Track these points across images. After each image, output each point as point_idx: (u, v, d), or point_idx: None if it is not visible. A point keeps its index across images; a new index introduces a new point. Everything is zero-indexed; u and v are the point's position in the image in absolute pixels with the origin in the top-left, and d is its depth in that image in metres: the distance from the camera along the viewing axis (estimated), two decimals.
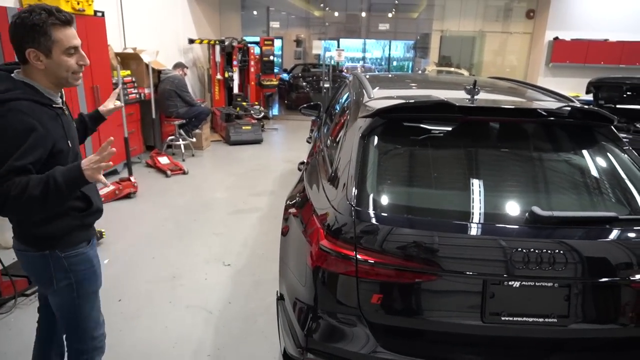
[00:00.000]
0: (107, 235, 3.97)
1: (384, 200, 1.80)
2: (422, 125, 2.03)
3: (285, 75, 13.64)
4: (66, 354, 1.93)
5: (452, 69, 11.54)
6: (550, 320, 1.65)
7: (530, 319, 1.65)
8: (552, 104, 2.14)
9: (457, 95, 2.31)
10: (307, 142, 4.32)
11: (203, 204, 5.01)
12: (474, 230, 1.68)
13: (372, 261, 1.67)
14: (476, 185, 1.85)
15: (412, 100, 2.00)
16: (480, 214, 1.74)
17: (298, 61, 16.78)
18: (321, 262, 1.77)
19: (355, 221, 1.70)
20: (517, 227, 1.69)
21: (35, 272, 1.73)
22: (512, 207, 1.78)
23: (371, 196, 1.79)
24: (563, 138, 2.06)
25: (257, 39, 9.27)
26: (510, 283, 1.64)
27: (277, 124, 10.07)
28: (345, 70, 16.37)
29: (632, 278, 1.65)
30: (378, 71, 18.06)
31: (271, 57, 9.14)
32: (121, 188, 5.03)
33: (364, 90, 2.52)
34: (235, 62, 8.70)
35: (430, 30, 12.99)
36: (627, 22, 8.94)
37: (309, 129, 5.53)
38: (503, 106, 2.04)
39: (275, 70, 10.38)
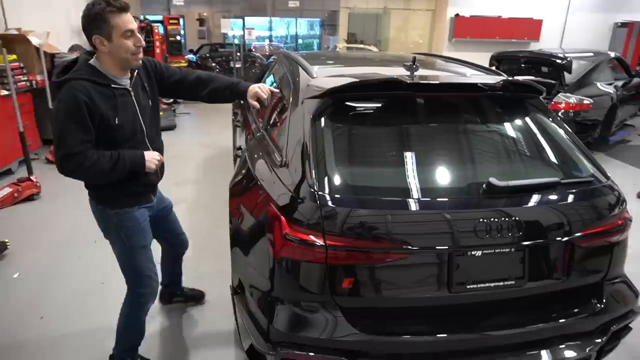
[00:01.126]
0: (12, 245, 3.48)
1: (346, 182, 1.75)
2: (373, 104, 2.00)
3: (191, 57, 12.92)
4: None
5: (362, 46, 11.76)
6: (509, 282, 1.75)
7: (492, 284, 1.73)
8: (488, 78, 2.22)
9: (397, 72, 2.31)
10: (236, 125, 4.11)
11: None
12: (437, 205, 1.70)
13: (342, 246, 1.63)
14: (433, 160, 1.87)
15: (363, 79, 1.95)
16: (441, 188, 1.76)
17: (202, 41, 15.98)
18: (286, 251, 1.69)
19: (320, 206, 1.64)
20: (476, 198, 1.74)
21: (97, 220, 2.08)
22: (468, 180, 1.83)
23: (333, 179, 1.73)
24: (502, 110, 2.15)
25: (159, 17, 8.62)
26: (473, 253, 1.69)
27: (188, 109, 9.55)
28: (253, 50, 15.94)
29: (576, 235, 1.79)
30: (286, 49, 17.86)
31: (177, 37, 8.59)
32: (21, 190, 4.44)
33: (302, 70, 2.42)
34: None
35: (338, 7, 13.09)
36: (516, 0, 9.74)
37: (221, 113, 5.24)
38: (453, 82, 2.07)
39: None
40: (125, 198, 1.99)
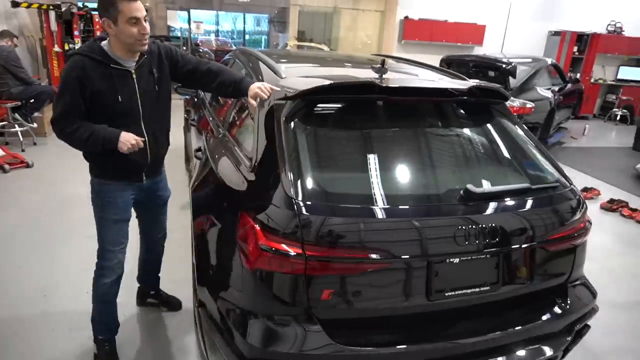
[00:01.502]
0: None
1: (323, 189, 1.68)
2: (347, 107, 1.95)
3: None
4: None
5: (313, 44, 11.71)
6: (484, 288, 1.76)
7: (469, 291, 1.74)
8: (458, 83, 2.24)
9: (366, 75, 2.28)
10: (192, 124, 3.91)
11: (63, 202, 4.26)
12: (418, 213, 1.67)
13: (321, 255, 1.56)
14: (409, 165, 1.84)
15: (337, 81, 1.89)
16: (420, 195, 1.74)
17: None
18: (262, 263, 1.60)
19: (298, 214, 1.56)
20: (454, 204, 1.73)
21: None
22: (445, 186, 1.82)
23: (309, 185, 1.66)
24: (471, 116, 2.18)
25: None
26: (451, 260, 1.69)
27: None
28: (200, 44, 15.43)
29: (546, 239, 1.84)
30: (234, 45, 17.43)
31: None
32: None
33: (270, 70, 2.32)
34: (76, 33, 7.49)
35: (288, 4, 12.92)
36: (461, 5, 10.08)
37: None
38: (428, 86, 2.05)
39: None
40: (109, 171, 2.09)
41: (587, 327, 2.06)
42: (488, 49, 10.16)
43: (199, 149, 2.79)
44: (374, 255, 1.59)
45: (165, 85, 2.14)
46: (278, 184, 1.66)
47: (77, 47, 7.50)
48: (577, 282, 2.06)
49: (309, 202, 1.60)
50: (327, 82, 1.86)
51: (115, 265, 2.18)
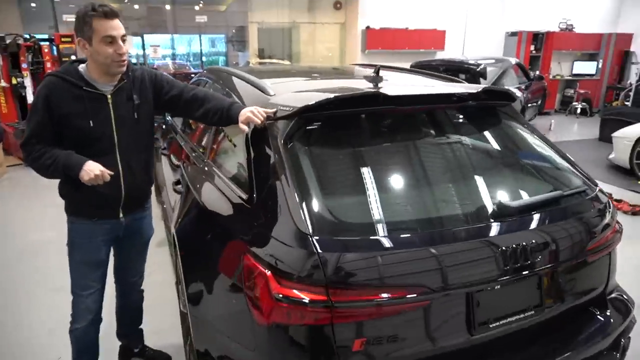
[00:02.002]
0: None
1: (340, 219, 1.44)
2: (352, 122, 1.73)
3: None
4: None
5: (275, 60, 11.55)
6: (528, 313, 1.56)
7: (514, 318, 1.53)
8: (465, 87, 2.06)
9: (360, 85, 2.08)
10: (162, 153, 3.58)
11: (23, 251, 3.82)
12: (452, 237, 1.45)
13: (350, 301, 1.32)
14: (431, 182, 1.62)
15: (342, 93, 1.66)
16: (450, 216, 1.52)
17: None
18: (278, 316, 1.33)
19: (317, 253, 1.31)
20: (488, 222, 1.52)
21: None
22: (474, 202, 1.61)
23: (325, 216, 1.42)
24: (480, 121, 2.00)
25: (46, 35, 7.65)
26: (493, 286, 1.48)
27: None
28: (157, 69, 14.99)
29: (585, 249, 1.66)
30: (192, 67, 17.05)
31: (72, 57, 7.63)
32: None
33: (254, 88, 2.07)
34: (24, 65, 7.00)
35: (245, 22, 12.76)
36: (420, 12, 10.16)
37: None
38: (440, 92, 1.85)
39: None
40: (79, 206, 1.93)
41: (630, 338, 1.89)
42: (450, 53, 10.26)
43: (178, 182, 2.49)
44: (410, 293, 1.35)
45: (146, 113, 1.94)
46: (285, 217, 1.41)
47: (25, 80, 7.03)
48: (614, 292, 1.89)
49: (326, 237, 1.35)
50: (326, 95, 1.63)
51: (83, 311, 2.00)
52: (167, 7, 15.26)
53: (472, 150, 1.85)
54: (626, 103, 10.33)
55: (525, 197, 1.63)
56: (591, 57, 11.78)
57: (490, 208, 1.54)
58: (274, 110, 1.71)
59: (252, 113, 1.74)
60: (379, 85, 2.03)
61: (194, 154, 2.53)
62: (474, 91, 1.84)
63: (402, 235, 1.40)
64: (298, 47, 12.81)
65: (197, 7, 15.34)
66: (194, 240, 2.00)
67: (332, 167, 1.60)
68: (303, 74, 2.88)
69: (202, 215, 1.98)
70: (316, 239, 1.33)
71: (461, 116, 1.95)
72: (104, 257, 2.02)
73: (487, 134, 1.95)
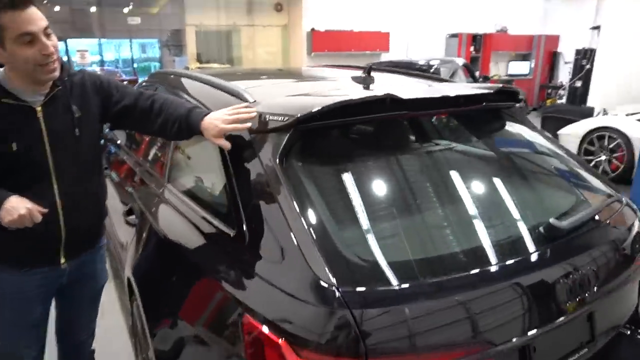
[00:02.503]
0: None
1: (372, 261, 1.12)
2: (361, 131, 1.42)
3: None
4: None
5: (216, 65, 11.02)
6: (582, 352, 1.32)
7: None
8: (472, 87, 1.81)
9: (353, 88, 1.78)
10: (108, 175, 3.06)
11: None
12: (506, 274, 1.17)
13: None
14: (467, 204, 1.34)
15: (348, 98, 1.34)
16: (498, 244, 1.24)
17: None
18: None
19: (352, 312, 0.98)
20: (538, 251, 1.26)
21: None
22: (515, 225, 1.34)
23: (352, 260, 1.09)
24: (489, 125, 1.77)
25: None
26: (552, 326, 1.22)
27: None
28: None
29: (632, 266, 1.46)
30: (124, 74, 15.99)
31: None
32: None
33: (227, 94, 1.69)
34: None
35: (182, 25, 12.11)
36: (364, 14, 10.10)
37: None
38: (458, 94, 1.57)
39: None
40: (3, 253, 1.47)
41: None
42: (394, 54, 10.28)
43: (130, 211, 2.04)
44: (471, 352, 1.06)
45: (90, 128, 1.51)
46: (295, 260, 1.08)
47: None
48: None
49: (356, 287, 1.03)
50: (326, 101, 1.30)
51: None
52: (93, 9, 14.22)
53: (496, 162, 1.61)
54: (559, 101, 10.88)
55: (572, 215, 1.39)
56: (524, 58, 12.34)
57: (535, 231, 1.29)
58: (253, 111, 1.37)
59: (228, 121, 1.38)
60: (371, 87, 1.74)
61: (147, 175, 2.10)
62: (492, 91, 1.60)
63: (452, 277, 1.10)
64: (239, 51, 12.34)
65: (126, 10, 14.39)
66: (161, 287, 1.60)
67: (348, 191, 1.27)
68: (275, 76, 2.53)
69: (169, 255, 1.59)
70: (344, 292, 1.01)
71: (471, 121, 1.70)
72: (41, 314, 1.57)
73: (503, 140, 1.72)
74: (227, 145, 1.38)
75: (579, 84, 9.27)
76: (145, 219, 1.85)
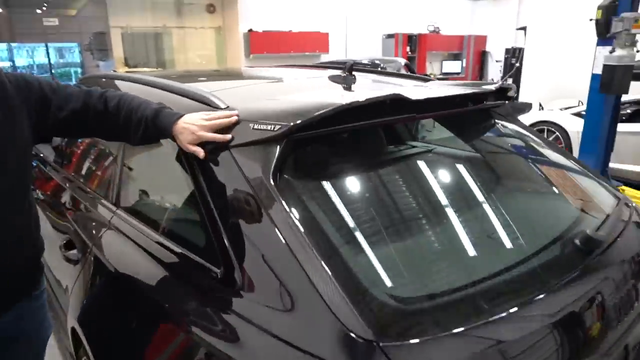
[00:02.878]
0: None
1: (411, 299, 0.90)
2: (364, 139, 1.20)
3: None
4: None
5: (147, 69, 10.33)
6: None
7: None
8: (473, 86, 1.65)
9: (337, 90, 1.57)
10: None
11: None
12: (557, 303, 1.00)
13: None
14: (498, 219, 1.16)
15: (354, 100, 1.12)
16: (547, 266, 1.07)
17: None
18: None
19: None
20: (576, 268, 1.11)
21: None
22: (541, 239, 1.18)
23: (390, 303, 0.87)
24: (499, 128, 1.62)
25: None
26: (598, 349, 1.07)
27: None
28: None
29: None
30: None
31: None
32: None
33: (188, 100, 1.40)
34: None
35: (107, 27, 11.26)
36: (302, 15, 9.91)
37: None
38: (465, 92, 1.39)
39: None
40: None
41: None
42: (334, 55, 10.18)
43: (69, 244, 1.67)
44: None
45: (15, 143, 1.17)
46: (315, 309, 0.84)
47: None
48: None
49: (403, 339, 0.81)
50: (321, 105, 1.08)
51: None
52: None
53: (507, 165, 1.46)
54: None
55: (606, 224, 1.25)
56: (456, 57, 12.81)
57: (573, 243, 1.14)
58: (234, 118, 1.12)
59: (207, 128, 1.12)
60: (352, 88, 1.54)
61: (89, 197, 1.74)
62: (494, 88, 1.45)
63: (511, 312, 0.91)
64: (171, 54, 11.68)
65: (39, 11, 13.15)
66: (119, 340, 1.28)
67: (366, 211, 1.05)
68: (233, 77, 2.23)
69: (127, 300, 1.27)
70: (387, 347, 0.78)
71: (478, 123, 1.54)
72: None
73: (510, 143, 1.58)
74: (201, 152, 1.11)
75: (510, 81, 9.72)
76: (91, 254, 1.50)
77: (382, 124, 1.23)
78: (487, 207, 1.16)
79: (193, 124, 1.15)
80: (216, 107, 1.27)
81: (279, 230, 0.94)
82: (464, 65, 12.61)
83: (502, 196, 1.28)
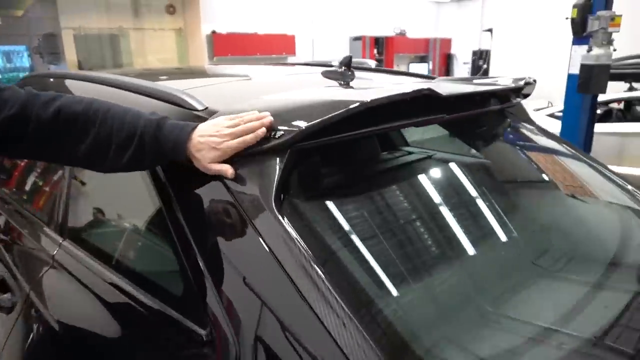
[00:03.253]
0: None
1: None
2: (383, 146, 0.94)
3: None
4: None
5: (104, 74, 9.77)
6: None
7: None
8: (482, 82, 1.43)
9: (333, 89, 1.31)
10: None
11: None
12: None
13: None
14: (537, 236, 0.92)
15: (376, 97, 0.85)
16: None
17: None
18: None
19: None
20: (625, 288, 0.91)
21: None
22: (577, 253, 0.97)
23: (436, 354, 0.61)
24: (505, 127, 1.41)
25: None
26: None
27: None
28: None
29: None
30: None
31: None
32: None
33: (152, 101, 1.10)
34: None
35: (57, 29, 10.60)
36: (267, 16, 9.62)
37: None
38: (492, 89, 1.15)
39: None
40: None
41: None
42: (301, 57, 9.95)
43: (1, 285, 1.32)
44: None
45: None
46: None
47: None
48: None
49: None
50: (333, 105, 0.81)
51: None
52: None
53: (527, 168, 1.23)
54: None
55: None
56: (422, 60, 12.85)
57: (608, 258, 0.93)
58: (265, 117, 0.84)
59: (233, 135, 0.83)
60: (355, 85, 1.28)
61: (26, 224, 1.40)
62: (520, 85, 1.23)
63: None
64: (128, 57, 11.11)
65: None
66: None
67: (396, 241, 0.78)
68: (212, 75, 1.92)
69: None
70: None
71: (494, 124, 1.32)
72: None
73: (531, 145, 1.36)
74: (229, 170, 0.81)
75: None
76: (28, 300, 1.17)
77: (403, 127, 0.99)
78: (530, 234, 0.93)
79: (213, 136, 0.84)
80: (191, 109, 0.98)
81: (290, 278, 0.67)
82: (430, 67, 12.66)
83: (545, 216, 1.06)
